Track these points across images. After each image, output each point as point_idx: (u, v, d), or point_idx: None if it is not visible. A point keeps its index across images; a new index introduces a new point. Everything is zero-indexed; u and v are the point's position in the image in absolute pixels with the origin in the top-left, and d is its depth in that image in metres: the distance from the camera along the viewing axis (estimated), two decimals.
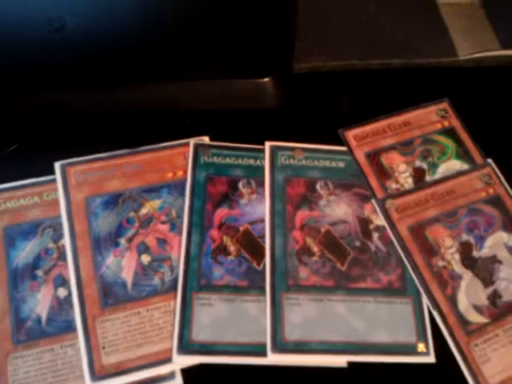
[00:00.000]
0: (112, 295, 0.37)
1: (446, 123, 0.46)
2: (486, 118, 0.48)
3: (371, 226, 0.41)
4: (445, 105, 0.47)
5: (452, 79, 0.50)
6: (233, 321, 0.36)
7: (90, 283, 0.37)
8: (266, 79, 0.46)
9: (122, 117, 0.45)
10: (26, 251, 0.38)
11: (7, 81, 0.43)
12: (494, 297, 0.38)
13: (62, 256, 0.38)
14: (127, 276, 0.37)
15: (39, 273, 0.37)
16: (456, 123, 0.46)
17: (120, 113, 0.45)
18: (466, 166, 0.44)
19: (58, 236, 0.39)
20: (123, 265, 0.38)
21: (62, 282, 0.37)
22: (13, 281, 0.37)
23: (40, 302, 0.37)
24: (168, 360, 0.35)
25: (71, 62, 0.44)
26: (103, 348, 0.35)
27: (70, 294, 0.37)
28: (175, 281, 0.37)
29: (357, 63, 0.50)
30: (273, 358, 0.35)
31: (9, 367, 0.34)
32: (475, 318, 0.38)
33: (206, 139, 0.44)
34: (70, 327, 0.36)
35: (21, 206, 0.40)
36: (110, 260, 0.38)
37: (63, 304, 0.37)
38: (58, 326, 0.36)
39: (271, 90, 0.46)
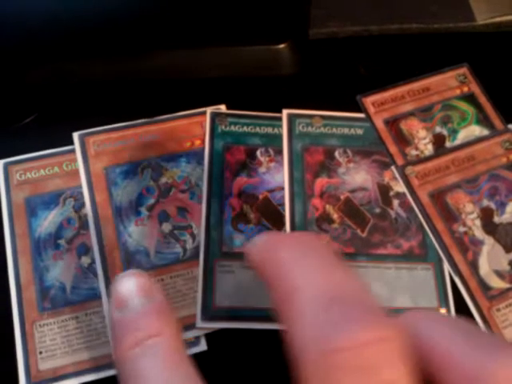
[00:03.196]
0: (135, 263, 0.37)
1: (466, 89, 0.46)
2: (506, 84, 0.47)
3: (391, 193, 0.41)
4: (464, 70, 0.47)
5: (471, 44, 0.49)
6: (255, 287, 0.37)
7: (112, 252, 0.37)
8: (282, 45, 0.45)
9: (138, 86, 0.45)
10: (47, 221, 0.38)
11: (23, 51, 0.43)
12: None
13: (84, 225, 0.38)
14: (149, 244, 0.38)
15: (62, 242, 0.38)
16: (475, 89, 0.46)
17: (136, 82, 0.45)
18: (485, 132, 0.44)
19: (79, 205, 0.39)
20: (145, 233, 0.38)
21: (85, 250, 0.37)
22: (36, 250, 0.37)
23: (64, 271, 0.37)
24: (192, 326, 0.35)
25: (86, 32, 0.43)
26: None
27: (93, 262, 0.37)
28: (197, 248, 0.38)
29: (374, 29, 0.49)
30: None
31: (36, 334, 0.35)
32: (497, 283, 0.38)
33: (222, 108, 0.44)
34: (94, 295, 0.36)
35: (41, 176, 0.40)
36: (132, 229, 0.38)
37: (87, 272, 0.37)
38: (83, 293, 0.36)
39: (287, 57, 0.46)
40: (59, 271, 0.37)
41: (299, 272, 0.16)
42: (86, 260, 0.37)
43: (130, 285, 0.19)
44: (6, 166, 0.40)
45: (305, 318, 0.15)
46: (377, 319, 0.14)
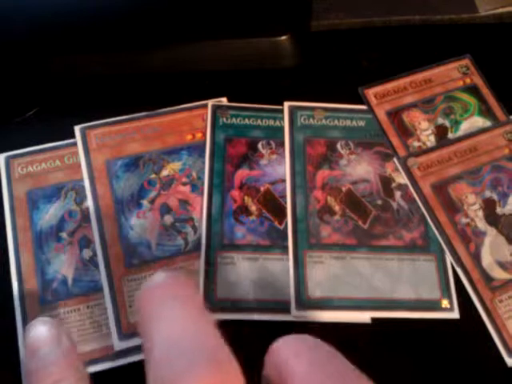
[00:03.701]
0: (137, 255, 0.37)
1: (468, 80, 0.46)
2: (508, 75, 0.47)
3: (393, 185, 0.41)
4: (466, 61, 0.46)
5: (473, 35, 0.49)
6: (255, 279, 0.37)
7: (114, 244, 0.37)
8: (284, 37, 0.45)
9: (139, 80, 0.45)
10: (49, 214, 0.38)
11: (26, 46, 0.43)
12: None
13: (86, 218, 0.38)
14: (151, 237, 0.38)
15: (63, 235, 0.38)
16: (478, 80, 0.46)
17: (138, 76, 0.45)
18: (488, 123, 0.43)
19: (81, 198, 0.39)
20: (147, 226, 0.38)
21: (87, 243, 0.38)
22: (38, 243, 0.37)
23: (65, 264, 0.37)
24: None
25: (86, 27, 0.43)
26: (130, 307, 0.35)
27: (94, 255, 0.37)
28: (198, 241, 0.38)
29: (376, 20, 0.49)
30: (296, 315, 0.36)
31: None
32: (499, 274, 0.37)
33: (224, 100, 0.44)
34: (95, 287, 0.36)
35: (43, 169, 0.40)
36: (134, 221, 0.38)
37: (88, 265, 0.37)
38: (84, 286, 0.36)
39: (289, 49, 0.46)
40: (61, 264, 0.37)
41: (162, 324, 0.19)
42: (87, 253, 0.37)
43: (39, 334, 0.22)
44: (8, 160, 0.40)
45: (157, 367, 0.18)
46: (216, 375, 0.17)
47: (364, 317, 0.36)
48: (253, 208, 0.39)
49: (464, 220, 0.39)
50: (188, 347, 0.18)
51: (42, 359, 0.21)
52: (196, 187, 0.40)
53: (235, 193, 0.40)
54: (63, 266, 0.37)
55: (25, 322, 0.35)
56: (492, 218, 0.39)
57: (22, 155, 0.41)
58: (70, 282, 0.36)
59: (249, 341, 0.36)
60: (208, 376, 0.16)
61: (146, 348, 0.19)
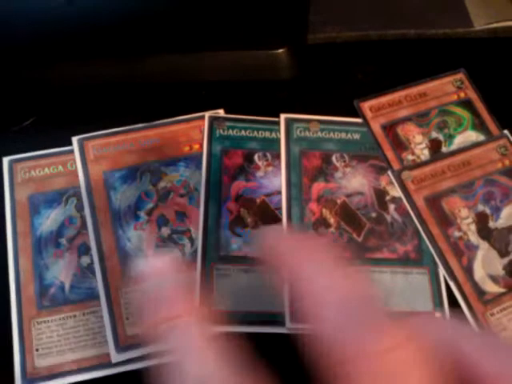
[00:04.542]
0: (134, 267, 0.37)
1: (462, 94, 0.46)
2: (502, 90, 0.47)
3: (387, 198, 0.41)
4: (460, 75, 0.47)
5: (467, 49, 0.50)
6: (251, 291, 0.37)
7: (111, 256, 0.37)
8: (281, 50, 0.46)
9: (137, 91, 0.45)
10: (50, 219, 0.39)
11: (23, 54, 0.44)
12: (510, 267, 0.39)
13: (86, 225, 0.39)
14: (148, 248, 0.38)
15: (63, 241, 0.38)
16: (472, 94, 0.46)
17: (135, 87, 0.45)
18: (482, 138, 0.44)
19: (82, 205, 0.39)
20: (144, 238, 0.38)
21: (86, 250, 0.38)
22: (37, 248, 0.38)
23: (63, 270, 0.37)
24: None
25: (86, 35, 0.44)
26: (127, 319, 0.36)
27: (92, 262, 0.37)
28: (196, 252, 0.38)
29: (372, 34, 0.49)
30: (291, 327, 0.36)
31: (33, 331, 0.35)
32: (491, 287, 0.38)
33: (221, 112, 0.44)
34: (92, 294, 0.37)
35: (45, 174, 0.40)
36: (131, 233, 0.39)
37: (86, 272, 0.37)
38: (81, 293, 0.37)
39: (286, 61, 0.46)
40: (59, 270, 0.37)
41: (321, 278, 0.17)
42: (85, 260, 0.38)
43: (155, 263, 0.20)
44: (11, 164, 0.41)
45: (330, 323, 0.16)
46: (393, 326, 0.15)
47: None
48: (249, 220, 0.40)
49: (457, 233, 0.40)
50: (363, 311, 0.16)
51: (168, 287, 0.19)
52: (193, 199, 0.40)
53: (231, 204, 0.40)
54: (61, 272, 0.37)
55: (20, 327, 0.35)
56: (484, 231, 0.40)
57: (25, 159, 0.41)
58: (67, 288, 0.37)
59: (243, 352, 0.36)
60: (394, 332, 0.15)
61: (306, 303, 0.17)
